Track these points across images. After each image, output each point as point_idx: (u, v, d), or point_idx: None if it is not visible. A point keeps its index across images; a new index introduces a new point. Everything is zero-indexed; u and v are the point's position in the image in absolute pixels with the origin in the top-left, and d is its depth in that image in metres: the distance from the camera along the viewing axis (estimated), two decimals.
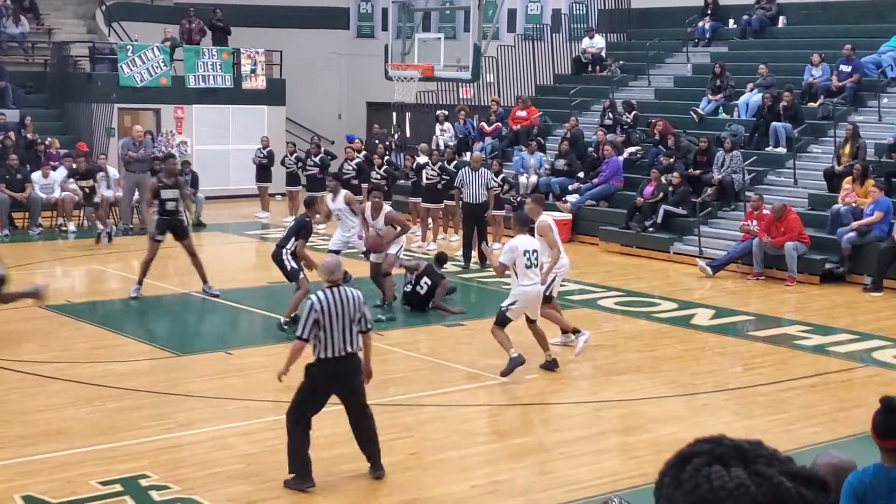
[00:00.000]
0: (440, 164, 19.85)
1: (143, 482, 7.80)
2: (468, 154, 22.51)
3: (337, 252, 14.01)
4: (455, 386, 10.62)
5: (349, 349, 7.64)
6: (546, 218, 11.76)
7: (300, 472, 7.62)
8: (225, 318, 14.10)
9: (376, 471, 7.92)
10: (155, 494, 7.60)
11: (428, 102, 25.80)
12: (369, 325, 7.82)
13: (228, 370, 10.97)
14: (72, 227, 20.64)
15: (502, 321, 10.62)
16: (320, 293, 7.66)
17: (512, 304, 10.60)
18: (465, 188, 17.37)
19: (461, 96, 26.28)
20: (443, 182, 19.23)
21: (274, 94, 26.61)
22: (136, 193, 20.91)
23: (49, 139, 22.45)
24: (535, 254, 10.67)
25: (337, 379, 7.68)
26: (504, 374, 10.50)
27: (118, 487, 7.68)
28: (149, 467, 8.06)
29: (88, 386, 10.27)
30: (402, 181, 21.55)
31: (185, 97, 25.28)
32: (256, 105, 26.03)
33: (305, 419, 7.66)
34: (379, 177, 20.36)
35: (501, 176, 19.59)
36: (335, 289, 7.67)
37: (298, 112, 27.90)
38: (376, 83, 25.85)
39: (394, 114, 26.26)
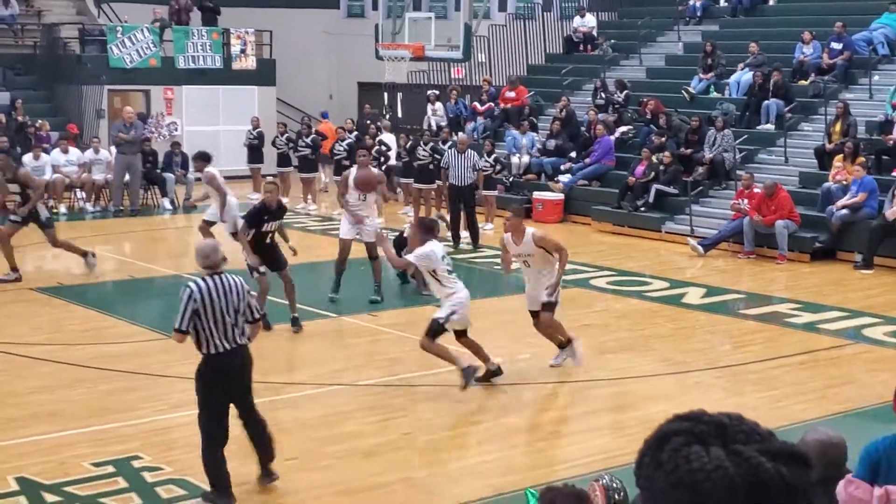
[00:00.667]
0: (432, 144, 19.83)
1: (136, 463, 7.82)
2: (460, 134, 22.48)
3: (212, 223, 14.19)
4: (447, 366, 10.62)
5: (238, 341, 7.01)
6: (536, 229, 10.57)
7: (218, 486, 7.10)
8: None
9: (270, 475, 7.42)
10: (147, 476, 7.62)
11: (419, 82, 25.74)
12: (256, 314, 7.26)
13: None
14: (63, 209, 20.60)
15: (437, 332, 9.62)
16: (199, 280, 6.96)
17: (451, 314, 9.57)
18: (451, 170, 17.35)
19: (452, 76, 26.22)
20: (435, 162, 19.21)
21: (264, 74, 26.52)
22: (127, 175, 20.92)
23: (39, 121, 22.37)
24: (449, 256, 9.97)
25: (229, 374, 7.05)
26: (465, 387, 9.48)
27: (111, 469, 7.70)
28: (141, 449, 8.08)
29: (80, 368, 10.26)
30: (395, 162, 21.53)
31: (175, 78, 25.19)
32: (246, 85, 25.94)
33: (215, 428, 7.06)
34: (371, 157, 20.31)
35: (494, 156, 19.58)
36: (215, 276, 6.97)
37: (289, 92, 27.81)
38: (367, 63, 25.79)
39: (385, 94, 26.17)
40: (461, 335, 9.79)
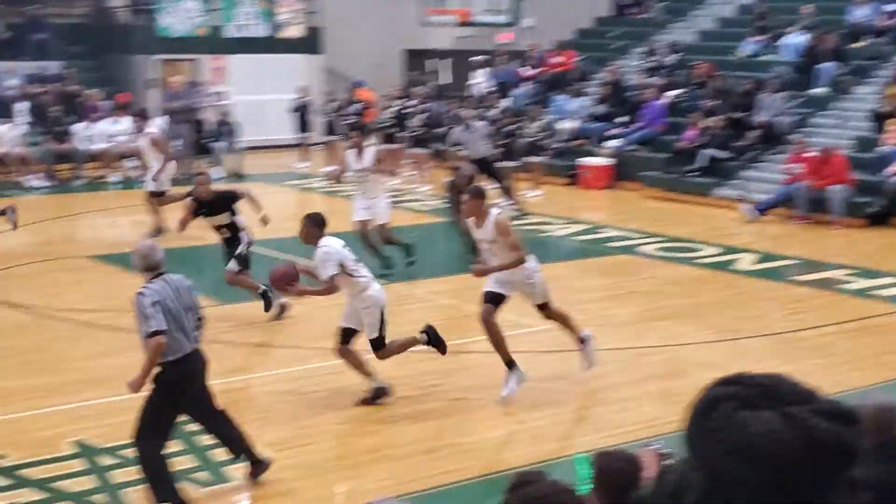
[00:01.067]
0: (480, 111, 19.74)
1: (190, 427, 7.90)
2: (503, 101, 22.32)
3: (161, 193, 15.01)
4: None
5: (197, 340, 6.59)
6: (500, 215, 8.79)
7: (174, 501, 6.55)
8: (266, 268, 14.15)
9: (259, 467, 6.90)
10: (203, 438, 7.69)
11: (465, 48, 25.61)
12: (201, 314, 6.80)
13: (270, 318, 11.04)
14: (115, 177, 20.83)
15: (381, 345, 8.52)
16: (152, 285, 6.38)
17: (382, 319, 8.45)
18: (464, 146, 16.98)
19: (499, 41, 26.06)
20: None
21: (311, 42, 26.53)
22: (179, 143, 21.11)
23: (90, 91, 22.59)
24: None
25: (193, 378, 6.59)
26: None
27: None
28: None
29: (134, 334, 10.36)
30: (440, 129, 21.49)
31: (223, 47, 25.29)
32: (293, 54, 25.96)
33: (160, 439, 6.55)
34: (418, 124, 20.29)
35: (541, 122, 19.44)
36: (161, 276, 6.46)
37: (335, 60, 27.80)
38: (413, 30, 25.71)
39: (434, 60, 26.08)
40: (349, 339, 8.55)
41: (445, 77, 26.81)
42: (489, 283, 8.76)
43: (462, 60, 25.62)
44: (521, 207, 17.22)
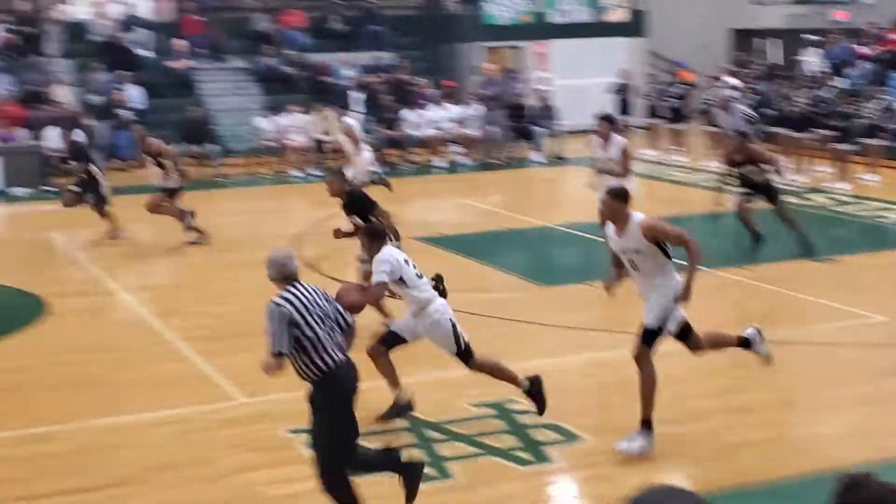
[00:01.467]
0: (814, 92, 18.85)
1: (511, 406, 8.08)
2: (836, 81, 21.13)
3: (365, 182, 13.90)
4: (825, 323, 10.13)
5: (345, 350, 6.04)
6: (645, 216, 7.25)
7: None
8: (584, 251, 14.24)
9: (411, 471, 6.27)
10: (523, 419, 7.84)
11: (797, 27, 24.47)
12: (347, 319, 6.17)
13: (591, 301, 11.08)
14: (440, 162, 21.60)
15: (468, 353, 7.68)
16: (283, 294, 5.94)
17: (455, 331, 7.59)
18: (724, 127, 16.31)
19: (834, 19, 24.68)
20: (815, 111, 18.25)
21: (635, 25, 26.28)
22: (496, 129, 21.64)
23: (420, 79, 23.55)
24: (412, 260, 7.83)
25: (351, 388, 5.99)
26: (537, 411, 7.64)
27: (490, 411, 8.00)
28: (514, 392, 8.30)
29: (460, 314, 10.69)
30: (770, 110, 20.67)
31: (546, 32, 25.57)
32: (616, 37, 25.82)
33: (346, 464, 6.02)
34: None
35: (880, 101, 18.27)
36: (297, 285, 6.00)
37: (659, 42, 27.39)
38: (742, 8, 24.85)
39: (762, 40, 25.12)
40: (392, 344, 7.76)
41: (774, 56, 25.72)
42: (647, 315, 7.20)
43: (792, 40, 24.48)
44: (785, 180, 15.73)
